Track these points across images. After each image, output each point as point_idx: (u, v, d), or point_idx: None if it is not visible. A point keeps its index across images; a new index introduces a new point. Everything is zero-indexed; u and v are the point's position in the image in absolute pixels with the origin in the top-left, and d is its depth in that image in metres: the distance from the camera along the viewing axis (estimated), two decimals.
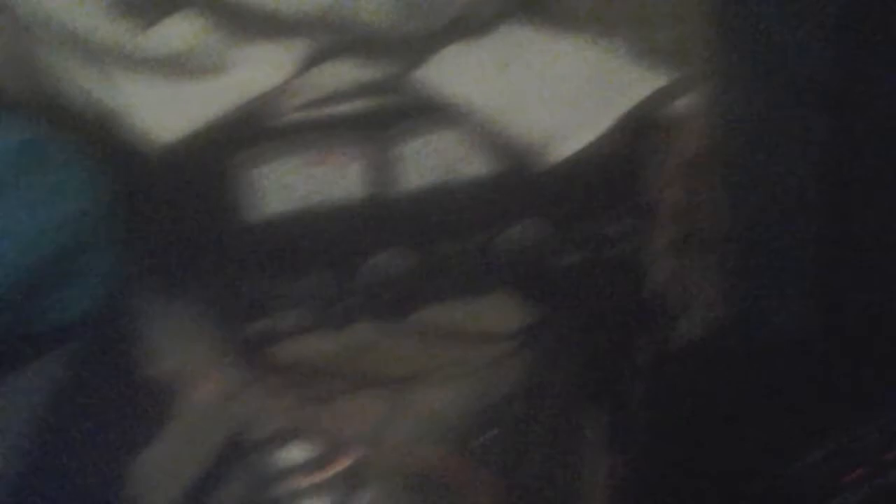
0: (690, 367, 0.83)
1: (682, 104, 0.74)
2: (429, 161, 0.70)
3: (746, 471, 0.72)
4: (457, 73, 0.71)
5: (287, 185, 0.68)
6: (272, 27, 0.68)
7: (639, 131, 0.72)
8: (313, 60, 0.69)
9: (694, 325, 0.88)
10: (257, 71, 0.67)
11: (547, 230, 0.74)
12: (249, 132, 0.66)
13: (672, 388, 0.81)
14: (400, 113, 0.69)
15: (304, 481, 0.65)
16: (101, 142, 0.59)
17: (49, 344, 0.47)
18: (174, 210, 0.65)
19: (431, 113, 0.69)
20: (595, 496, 0.76)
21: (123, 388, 0.53)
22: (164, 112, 0.63)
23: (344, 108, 0.68)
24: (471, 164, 0.71)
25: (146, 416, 0.53)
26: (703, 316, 0.88)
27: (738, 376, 0.79)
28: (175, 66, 0.66)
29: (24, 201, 0.44)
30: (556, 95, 0.71)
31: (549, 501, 0.74)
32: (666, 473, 0.77)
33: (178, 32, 0.65)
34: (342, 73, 0.70)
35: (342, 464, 0.66)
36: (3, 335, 0.46)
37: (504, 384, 0.75)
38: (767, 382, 0.78)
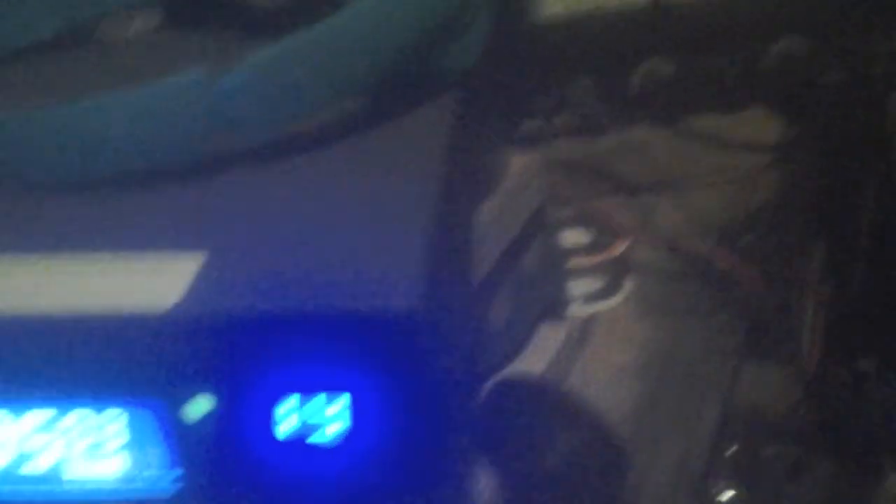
0: None
1: None
2: None
3: None
4: None
5: None
6: None
7: None
8: None
9: None
10: None
11: (812, 46, 0.77)
12: None
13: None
14: None
15: (583, 262, 0.71)
16: None
17: (443, 88, 0.54)
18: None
19: None
20: (814, 319, 0.80)
21: (480, 141, 0.60)
22: None
23: None
24: None
25: (484, 170, 0.60)
26: None
27: None
28: None
29: None
30: None
31: (771, 316, 0.78)
32: (880, 313, 0.80)
33: None
34: None
35: (616, 250, 0.72)
36: (416, 74, 0.53)
37: (760, 194, 0.79)
38: None
